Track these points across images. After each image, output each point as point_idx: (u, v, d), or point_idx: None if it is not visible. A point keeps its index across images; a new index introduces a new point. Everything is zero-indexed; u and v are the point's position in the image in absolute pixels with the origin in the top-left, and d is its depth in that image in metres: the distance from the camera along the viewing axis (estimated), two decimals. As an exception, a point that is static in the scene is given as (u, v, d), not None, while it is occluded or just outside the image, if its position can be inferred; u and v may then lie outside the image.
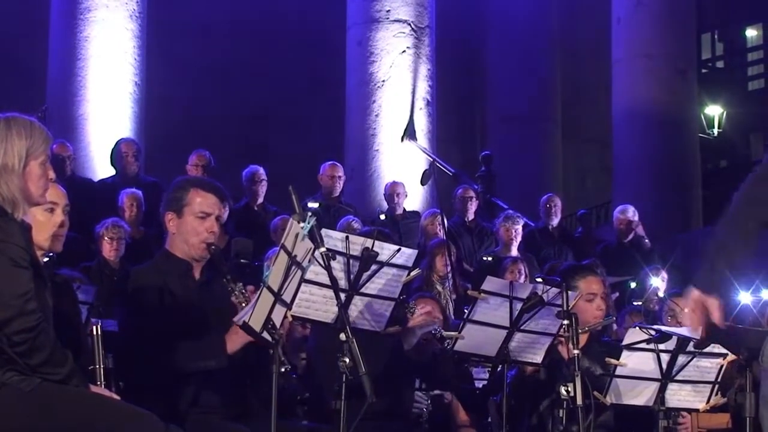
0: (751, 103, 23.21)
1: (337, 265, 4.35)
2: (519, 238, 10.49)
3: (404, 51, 13.46)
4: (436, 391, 6.10)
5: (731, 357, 5.14)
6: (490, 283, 5.20)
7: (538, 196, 12.19)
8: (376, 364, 4.55)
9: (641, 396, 5.15)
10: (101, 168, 11.41)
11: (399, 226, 10.58)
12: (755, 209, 4.01)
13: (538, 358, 5.29)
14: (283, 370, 4.47)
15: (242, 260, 7.19)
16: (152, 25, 12.83)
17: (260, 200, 10.44)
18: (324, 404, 5.24)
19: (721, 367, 5.20)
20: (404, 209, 11.43)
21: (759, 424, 4.32)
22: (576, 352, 5.15)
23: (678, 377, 5.11)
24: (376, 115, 13.25)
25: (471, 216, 11.24)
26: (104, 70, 12.39)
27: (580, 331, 5.26)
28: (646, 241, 11.53)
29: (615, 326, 7.99)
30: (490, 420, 5.74)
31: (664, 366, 5.09)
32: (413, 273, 4.94)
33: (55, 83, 12.42)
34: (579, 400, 5.08)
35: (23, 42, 13.01)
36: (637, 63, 14.94)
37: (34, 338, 3.68)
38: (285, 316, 4.36)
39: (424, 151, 12.67)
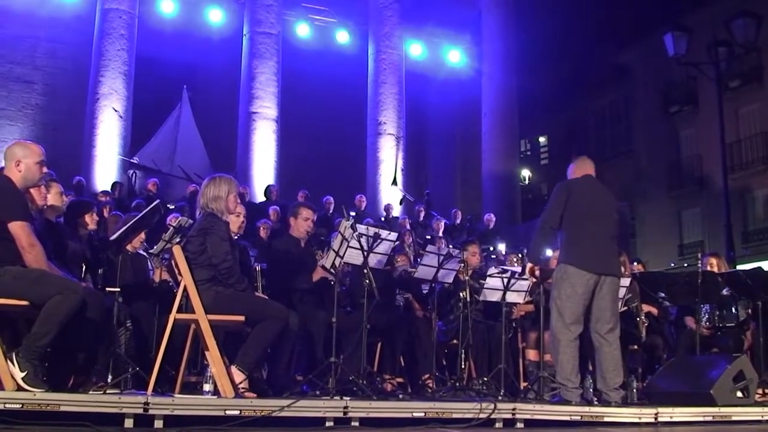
0: (541, 171, 23.75)
1: (363, 239, 4.29)
2: (442, 228, 10.39)
3: (392, 147, 13.40)
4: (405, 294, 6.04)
5: (534, 279, 5.09)
6: (430, 248, 5.16)
7: (450, 210, 12.03)
8: (379, 282, 4.48)
9: (495, 297, 5.09)
10: (259, 197, 11.28)
11: (390, 223, 10.51)
12: (546, 225, 4.12)
13: (450, 280, 5.23)
14: (341, 288, 4.43)
15: (321, 237, 7.11)
16: (282, 131, 12.77)
17: (330, 212, 10.28)
18: (356, 300, 5.18)
19: (529, 284, 5.13)
20: (392, 216, 11.34)
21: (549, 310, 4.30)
22: (467, 278, 5.14)
23: (511, 288, 5.04)
24: (380, 175, 13.17)
25: (421, 218, 11.12)
26: (261, 156, 12.33)
27: (468, 268, 5.24)
28: (496, 229, 11.48)
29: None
30: (430, 308, 5.68)
31: (505, 283, 5.02)
32: (396, 243, 4.88)
33: (241, 163, 12.41)
34: (468, 298, 5.07)
35: (223, 139, 12.79)
36: (495, 152, 14.68)
37: (229, 271, 3.63)
38: (340, 262, 4.31)
39: (401, 191, 12.57)
